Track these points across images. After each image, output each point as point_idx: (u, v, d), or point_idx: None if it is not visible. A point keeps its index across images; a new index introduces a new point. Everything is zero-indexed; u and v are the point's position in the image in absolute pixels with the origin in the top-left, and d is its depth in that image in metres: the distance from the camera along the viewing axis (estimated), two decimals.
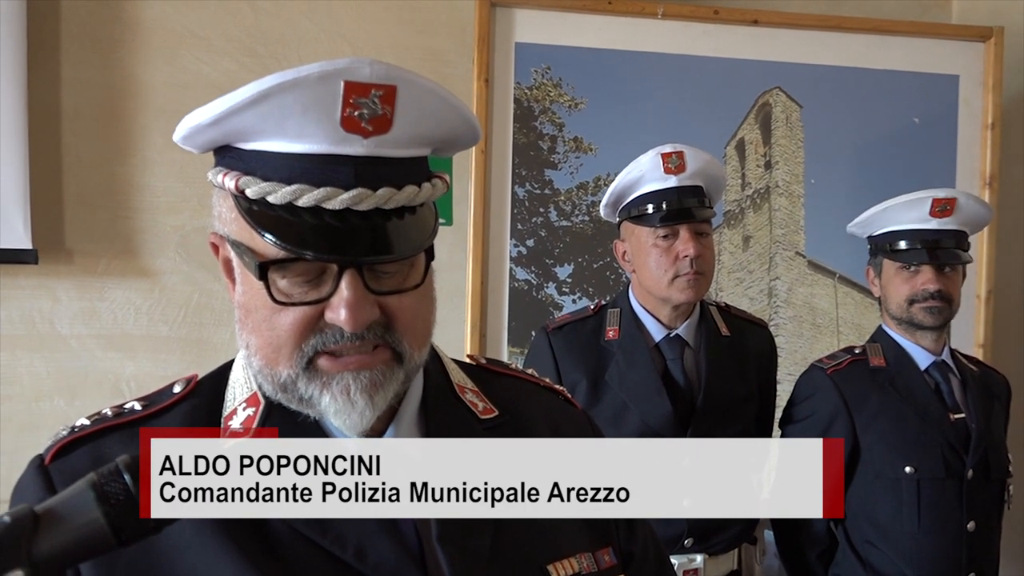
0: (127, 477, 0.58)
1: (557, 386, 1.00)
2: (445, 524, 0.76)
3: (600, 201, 1.89)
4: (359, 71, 0.68)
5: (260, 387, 0.79)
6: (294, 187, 0.69)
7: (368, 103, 0.69)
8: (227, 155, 0.74)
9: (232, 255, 0.77)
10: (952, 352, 1.89)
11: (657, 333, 1.78)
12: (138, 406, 0.82)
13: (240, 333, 0.77)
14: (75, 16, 2.30)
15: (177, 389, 0.83)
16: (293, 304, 0.72)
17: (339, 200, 0.69)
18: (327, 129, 0.69)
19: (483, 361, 0.97)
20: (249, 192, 0.71)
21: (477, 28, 2.41)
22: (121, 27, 2.33)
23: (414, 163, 0.75)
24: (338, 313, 0.71)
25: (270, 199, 0.70)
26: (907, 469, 1.74)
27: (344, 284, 0.70)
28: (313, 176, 0.69)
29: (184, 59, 2.37)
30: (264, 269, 0.71)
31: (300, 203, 0.69)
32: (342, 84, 0.68)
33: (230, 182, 0.72)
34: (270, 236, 0.69)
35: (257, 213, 0.71)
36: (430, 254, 0.76)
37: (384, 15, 2.47)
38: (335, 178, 0.69)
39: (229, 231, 0.76)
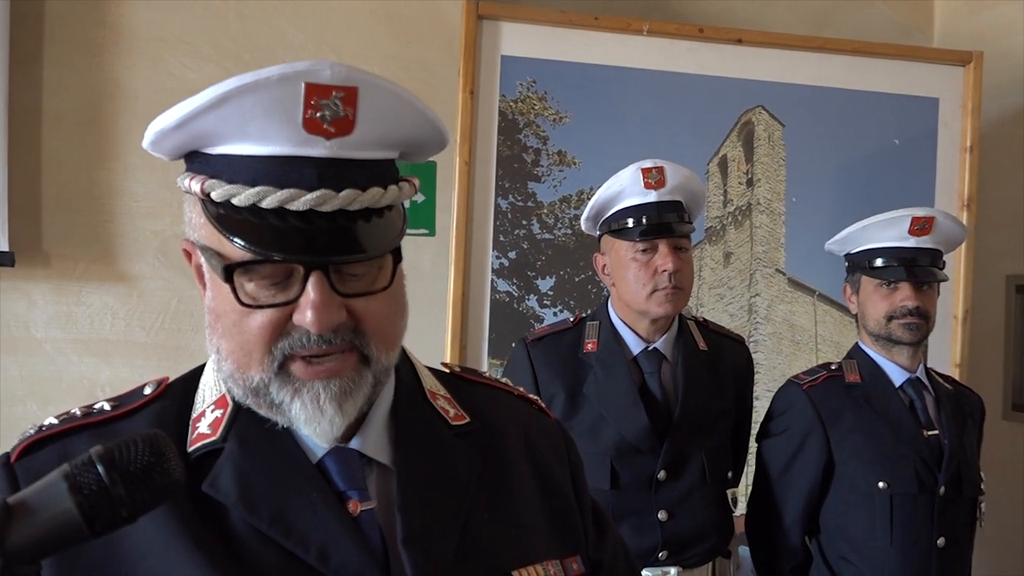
0: (100, 468, 0.58)
1: (531, 396, 1.00)
2: (410, 527, 0.76)
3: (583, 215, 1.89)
4: (320, 73, 0.68)
5: (229, 391, 0.79)
6: (257, 189, 0.69)
7: (330, 105, 0.69)
8: (195, 160, 0.75)
9: (202, 260, 0.77)
10: (927, 370, 1.91)
11: (635, 346, 1.79)
12: (108, 406, 0.82)
13: (210, 338, 0.77)
14: (59, 18, 2.29)
15: (148, 391, 0.83)
16: (260, 307, 0.72)
17: (302, 201, 0.69)
18: (289, 131, 0.69)
19: (457, 369, 0.98)
20: (214, 195, 0.71)
21: (463, 40, 2.41)
22: (105, 31, 2.32)
23: (379, 165, 0.76)
24: (305, 315, 0.71)
25: (235, 201, 0.70)
26: (880, 484, 1.75)
27: (311, 286, 0.71)
28: (277, 178, 0.70)
29: (169, 64, 2.36)
30: (230, 272, 0.71)
31: (264, 204, 0.69)
32: (303, 86, 0.68)
33: (196, 185, 0.72)
34: (237, 240, 0.70)
35: (223, 217, 0.71)
36: (397, 256, 0.77)
37: (371, 25, 2.48)
38: (299, 179, 0.70)
39: (199, 236, 0.76)
